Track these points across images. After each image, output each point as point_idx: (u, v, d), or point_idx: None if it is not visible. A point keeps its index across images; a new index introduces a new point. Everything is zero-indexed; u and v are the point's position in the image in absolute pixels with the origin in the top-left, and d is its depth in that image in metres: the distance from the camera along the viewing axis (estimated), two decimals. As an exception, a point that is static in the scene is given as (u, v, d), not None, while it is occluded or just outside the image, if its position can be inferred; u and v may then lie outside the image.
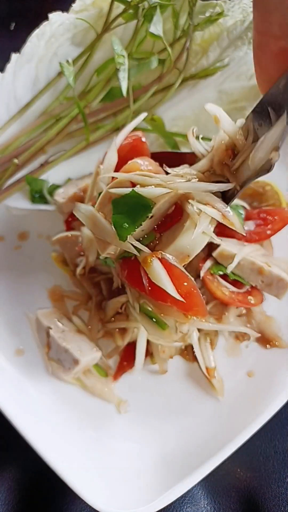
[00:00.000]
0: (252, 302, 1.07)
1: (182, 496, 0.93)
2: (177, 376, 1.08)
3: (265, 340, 1.09)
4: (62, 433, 0.99)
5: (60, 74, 1.21)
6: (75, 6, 1.20)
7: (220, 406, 1.03)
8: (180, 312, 0.76)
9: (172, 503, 0.91)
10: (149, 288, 0.74)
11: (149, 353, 1.08)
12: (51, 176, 1.22)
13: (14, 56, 1.15)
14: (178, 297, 0.72)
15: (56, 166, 1.21)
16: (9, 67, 1.16)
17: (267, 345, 1.09)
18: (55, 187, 1.20)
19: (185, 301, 0.73)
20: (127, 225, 0.73)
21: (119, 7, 1.13)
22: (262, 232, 1.11)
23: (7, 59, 1.15)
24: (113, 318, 1.09)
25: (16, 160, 1.15)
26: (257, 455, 1.06)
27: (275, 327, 1.10)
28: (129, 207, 0.74)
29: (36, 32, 1.15)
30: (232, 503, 1.02)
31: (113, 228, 0.74)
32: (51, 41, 1.17)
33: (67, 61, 1.10)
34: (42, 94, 1.22)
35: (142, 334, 1.05)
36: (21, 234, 1.25)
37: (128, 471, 0.96)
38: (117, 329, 1.09)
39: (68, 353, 0.98)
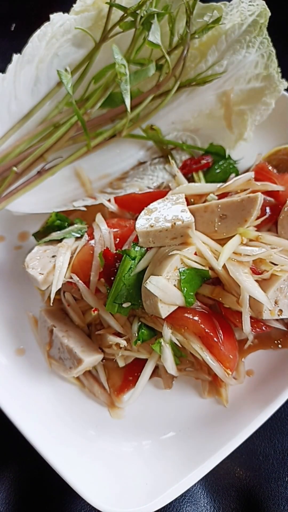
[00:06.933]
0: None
1: (182, 495, 0.93)
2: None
3: (270, 341, 1.08)
4: (62, 432, 0.99)
5: (60, 83, 1.21)
6: (75, 6, 1.21)
7: (219, 405, 1.03)
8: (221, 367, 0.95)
9: (172, 502, 0.92)
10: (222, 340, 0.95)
11: (155, 370, 1.06)
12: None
13: (15, 57, 1.15)
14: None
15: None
16: (10, 67, 1.15)
17: (271, 346, 1.08)
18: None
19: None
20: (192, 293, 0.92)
21: (116, 12, 1.13)
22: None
23: (7, 60, 1.15)
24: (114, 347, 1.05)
25: (15, 168, 1.15)
26: (257, 454, 1.07)
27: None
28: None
29: (37, 32, 1.15)
30: (231, 502, 1.03)
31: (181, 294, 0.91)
32: (52, 42, 1.17)
33: (66, 69, 1.10)
34: (43, 104, 1.22)
35: (149, 365, 1.03)
36: (21, 234, 1.26)
37: (128, 470, 0.96)
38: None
39: (71, 353, 0.98)
